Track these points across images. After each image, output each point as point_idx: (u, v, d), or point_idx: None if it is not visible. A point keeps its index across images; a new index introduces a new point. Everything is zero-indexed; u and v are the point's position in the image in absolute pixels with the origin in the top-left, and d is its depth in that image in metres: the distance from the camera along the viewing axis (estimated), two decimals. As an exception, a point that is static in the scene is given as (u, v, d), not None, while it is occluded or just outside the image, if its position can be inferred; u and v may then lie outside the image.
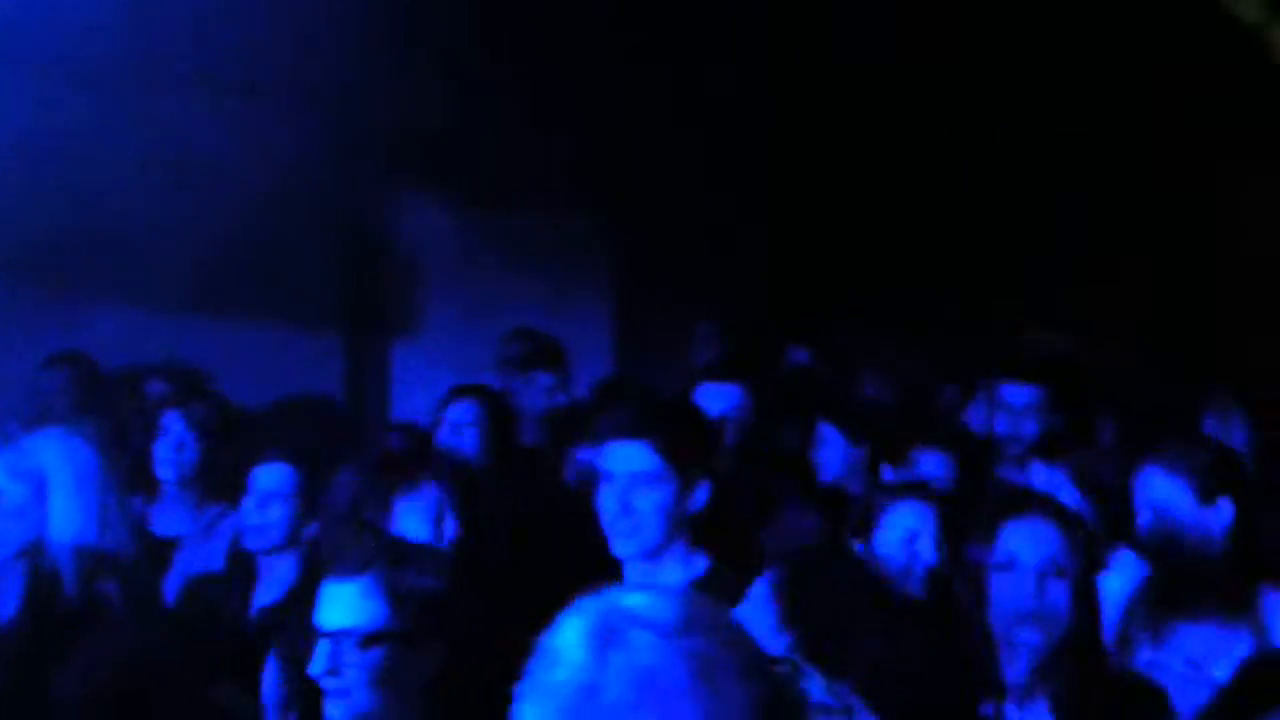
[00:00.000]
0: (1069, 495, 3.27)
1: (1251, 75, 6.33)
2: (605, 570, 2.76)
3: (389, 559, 2.46)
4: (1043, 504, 2.61)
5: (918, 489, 3.32)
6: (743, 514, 3.30)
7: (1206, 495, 2.98)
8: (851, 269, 7.63)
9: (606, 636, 1.36)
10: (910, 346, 7.12)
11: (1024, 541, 2.49)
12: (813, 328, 6.33)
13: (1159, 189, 7.72)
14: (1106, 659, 2.53)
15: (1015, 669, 2.41)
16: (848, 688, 1.56)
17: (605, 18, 6.58)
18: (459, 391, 4.46)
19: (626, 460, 2.76)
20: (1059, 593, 2.44)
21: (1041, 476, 3.37)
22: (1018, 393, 4.05)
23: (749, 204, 7.40)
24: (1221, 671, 2.57)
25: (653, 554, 2.75)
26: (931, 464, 3.72)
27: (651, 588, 1.44)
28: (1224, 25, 5.99)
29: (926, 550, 3.14)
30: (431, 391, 4.97)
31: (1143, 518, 3.05)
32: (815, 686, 1.54)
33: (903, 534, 3.17)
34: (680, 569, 2.77)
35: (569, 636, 1.39)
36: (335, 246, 6.89)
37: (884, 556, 3.14)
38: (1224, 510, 3.01)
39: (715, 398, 4.09)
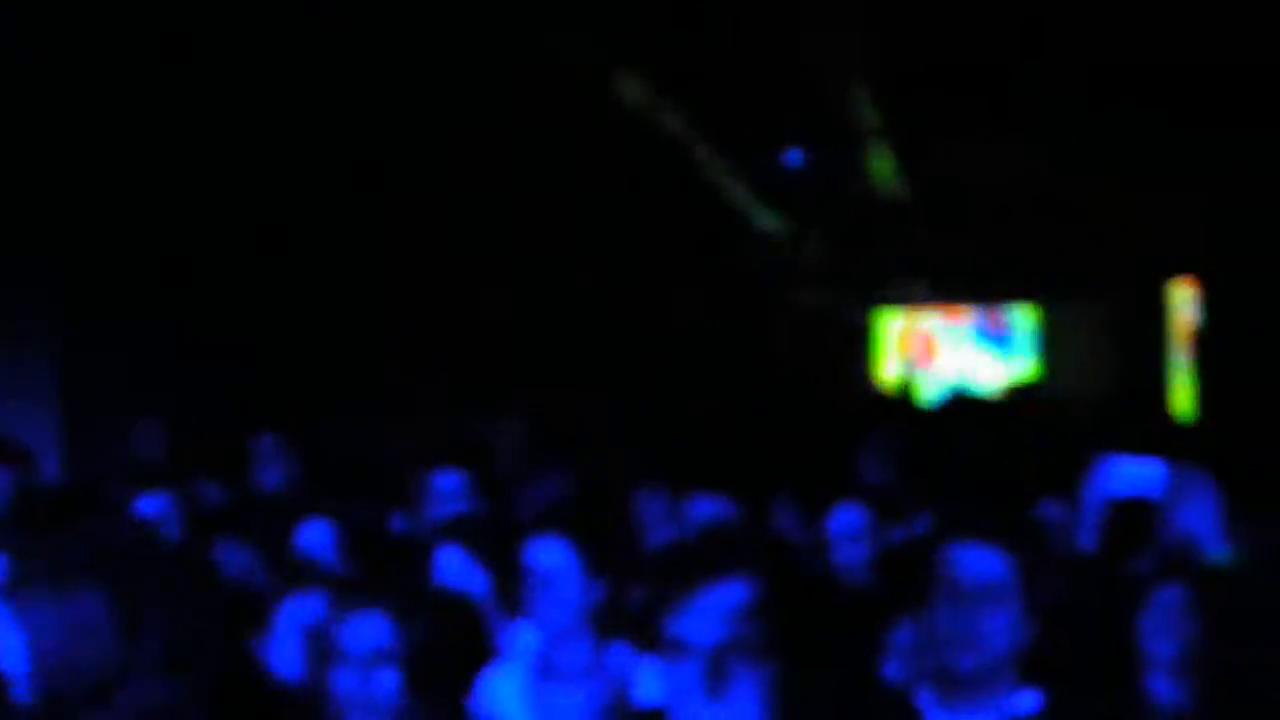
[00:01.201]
0: (479, 576, 3.54)
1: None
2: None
3: None
4: (376, 594, 2.78)
5: (319, 580, 3.38)
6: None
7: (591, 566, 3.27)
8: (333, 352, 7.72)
9: None
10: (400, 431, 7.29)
11: (353, 634, 2.68)
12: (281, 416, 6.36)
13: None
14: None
15: None
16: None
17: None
18: None
19: None
20: (388, 679, 2.65)
21: (451, 559, 3.61)
22: (445, 479, 4.33)
23: (204, 288, 7.34)
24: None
25: None
26: (313, 537, 3.83)
27: None
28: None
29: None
30: None
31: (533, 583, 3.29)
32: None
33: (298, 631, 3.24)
34: None
35: None
36: None
37: (276, 655, 3.25)
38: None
39: (148, 504, 4.20)
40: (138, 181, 6.72)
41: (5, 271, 6.76)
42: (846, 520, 4.23)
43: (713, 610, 1.92)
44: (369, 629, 2.64)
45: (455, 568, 3.62)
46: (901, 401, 12.51)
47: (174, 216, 6.97)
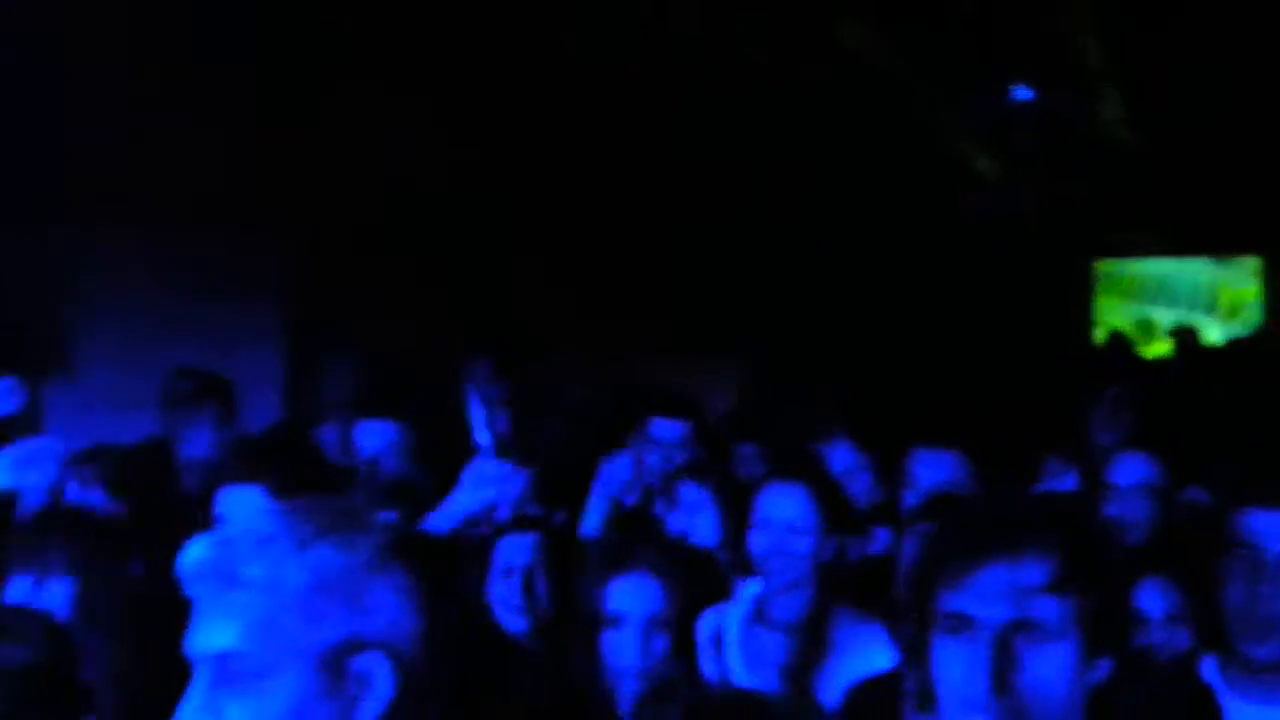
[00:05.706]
0: (711, 516, 3.46)
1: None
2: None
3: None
4: (648, 558, 2.69)
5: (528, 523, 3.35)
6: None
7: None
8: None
9: None
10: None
11: (629, 598, 2.59)
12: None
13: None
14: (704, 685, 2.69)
15: (625, 704, 2.53)
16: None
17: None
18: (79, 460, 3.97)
19: (241, 505, 2.67)
20: (660, 645, 2.59)
21: (691, 495, 3.53)
22: (668, 427, 4.20)
23: (427, 239, 7.38)
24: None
25: None
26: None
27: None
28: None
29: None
30: (87, 433, 4.71)
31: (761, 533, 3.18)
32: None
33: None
34: None
35: None
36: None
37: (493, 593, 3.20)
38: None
39: (370, 435, 4.16)
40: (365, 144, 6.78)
41: (225, 210, 6.87)
42: (1134, 470, 3.72)
43: (1004, 586, 1.64)
44: (644, 594, 2.58)
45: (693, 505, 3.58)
46: (1125, 355, 11.92)
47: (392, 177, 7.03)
